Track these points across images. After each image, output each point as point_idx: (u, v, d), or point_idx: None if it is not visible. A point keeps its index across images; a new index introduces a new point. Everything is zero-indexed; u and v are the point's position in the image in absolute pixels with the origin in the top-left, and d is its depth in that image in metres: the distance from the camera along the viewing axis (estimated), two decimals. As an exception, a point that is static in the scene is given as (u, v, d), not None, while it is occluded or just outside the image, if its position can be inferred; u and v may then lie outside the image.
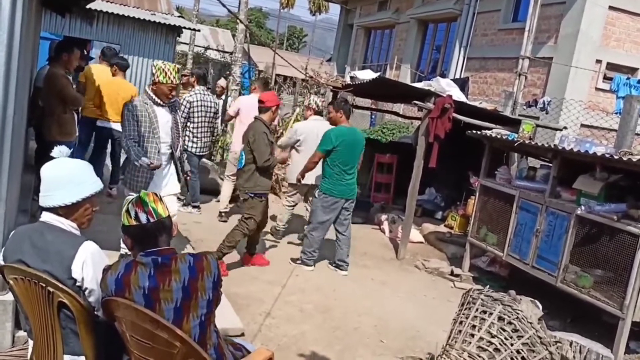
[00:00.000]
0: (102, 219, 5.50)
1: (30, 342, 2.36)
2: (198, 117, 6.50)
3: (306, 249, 5.49)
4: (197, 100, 6.47)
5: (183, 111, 6.35)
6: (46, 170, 2.29)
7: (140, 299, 2.07)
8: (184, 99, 6.48)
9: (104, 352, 2.27)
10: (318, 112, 6.29)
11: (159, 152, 4.33)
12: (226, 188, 6.92)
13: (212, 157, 8.41)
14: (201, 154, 6.70)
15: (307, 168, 5.59)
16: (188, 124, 6.46)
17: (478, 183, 6.26)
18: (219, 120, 6.95)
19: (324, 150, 5.36)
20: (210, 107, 6.62)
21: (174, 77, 4.22)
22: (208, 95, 6.65)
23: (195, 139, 6.55)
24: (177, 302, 2.09)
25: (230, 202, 6.99)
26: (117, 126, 6.41)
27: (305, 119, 6.30)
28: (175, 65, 4.29)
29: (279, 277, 5.20)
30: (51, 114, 5.47)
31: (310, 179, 5.88)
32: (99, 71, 6.58)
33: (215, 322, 2.28)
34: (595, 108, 9.87)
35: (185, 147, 6.44)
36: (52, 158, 2.35)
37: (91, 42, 9.40)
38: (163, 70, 4.18)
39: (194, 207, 6.87)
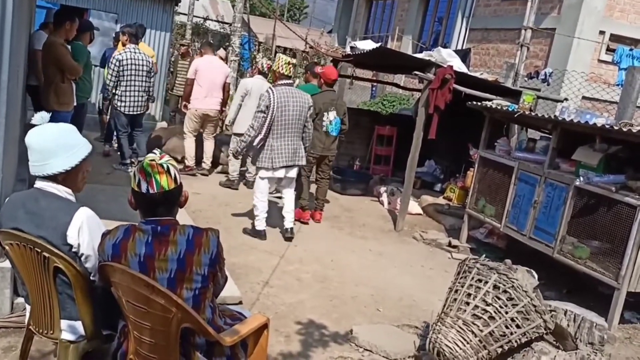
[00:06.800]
0: (100, 189, 5.53)
1: (28, 307, 2.38)
2: (129, 75, 6.53)
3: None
4: (127, 59, 6.49)
5: (113, 70, 6.45)
6: (35, 138, 2.23)
7: (136, 266, 2.08)
8: (114, 57, 6.52)
9: (101, 317, 2.30)
10: (262, 73, 6.85)
11: None
12: (189, 145, 7.22)
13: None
14: (131, 112, 6.74)
15: None
16: (119, 82, 6.52)
17: (477, 155, 6.24)
18: (152, 79, 7.06)
19: None
20: (142, 65, 6.64)
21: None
22: (140, 53, 6.67)
23: (124, 98, 6.60)
24: (171, 272, 2.10)
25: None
26: None
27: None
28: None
29: (278, 247, 5.23)
30: (49, 83, 5.43)
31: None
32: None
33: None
34: (598, 80, 9.79)
35: (116, 106, 6.61)
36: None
37: (88, 10, 9.26)
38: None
39: (122, 164, 6.94)
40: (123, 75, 6.50)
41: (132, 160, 6.92)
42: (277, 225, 5.74)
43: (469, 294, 3.20)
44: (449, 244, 6.13)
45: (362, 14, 19.34)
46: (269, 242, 5.34)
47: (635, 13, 10.88)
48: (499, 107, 5.91)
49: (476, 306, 3.14)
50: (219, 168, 7.78)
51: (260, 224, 5.39)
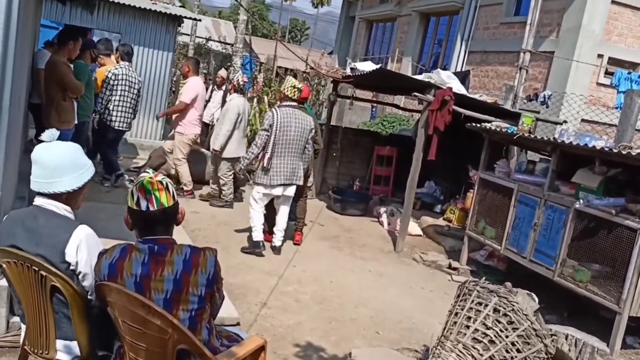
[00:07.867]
0: (100, 207, 5.52)
1: (23, 327, 2.35)
2: (121, 91, 6.61)
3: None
4: (122, 74, 6.60)
5: (108, 83, 6.54)
6: (45, 155, 2.21)
7: (132, 286, 2.05)
8: (110, 72, 6.60)
9: (97, 337, 2.27)
10: (238, 90, 6.93)
11: None
12: (185, 170, 7.13)
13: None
14: (120, 128, 6.79)
15: None
16: (111, 97, 6.59)
17: (477, 176, 6.24)
18: (140, 99, 7.08)
19: None
20: (135, 83, 6.75)
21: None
22: (133, 72, 6.79)
23: (115, 113, 6.65)
24: (167, 293, 2.07)
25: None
26: None
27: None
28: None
29: (276, 268, 5.20)
30: (51, 102, 5.47)
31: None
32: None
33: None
34: (596, 103, 9.84)
35: (106, 120, 6.64)
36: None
37: (92, 30, 9.34)
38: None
39: (117, 176, 6.92)
40: (116, 90, 6.58)
41: (123, 172, 6.97)
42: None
43: (469, 317, 3.18)
44: (449, 266, 6.09)
45: (362, 36, 19.54)
46: (268, 261, 5.32)
47: (633, 37, 11.00)
48: (498, 129, 5.93)
49: (476, 330, 3.11)
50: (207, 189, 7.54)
51: (258, 235, 5.50)
